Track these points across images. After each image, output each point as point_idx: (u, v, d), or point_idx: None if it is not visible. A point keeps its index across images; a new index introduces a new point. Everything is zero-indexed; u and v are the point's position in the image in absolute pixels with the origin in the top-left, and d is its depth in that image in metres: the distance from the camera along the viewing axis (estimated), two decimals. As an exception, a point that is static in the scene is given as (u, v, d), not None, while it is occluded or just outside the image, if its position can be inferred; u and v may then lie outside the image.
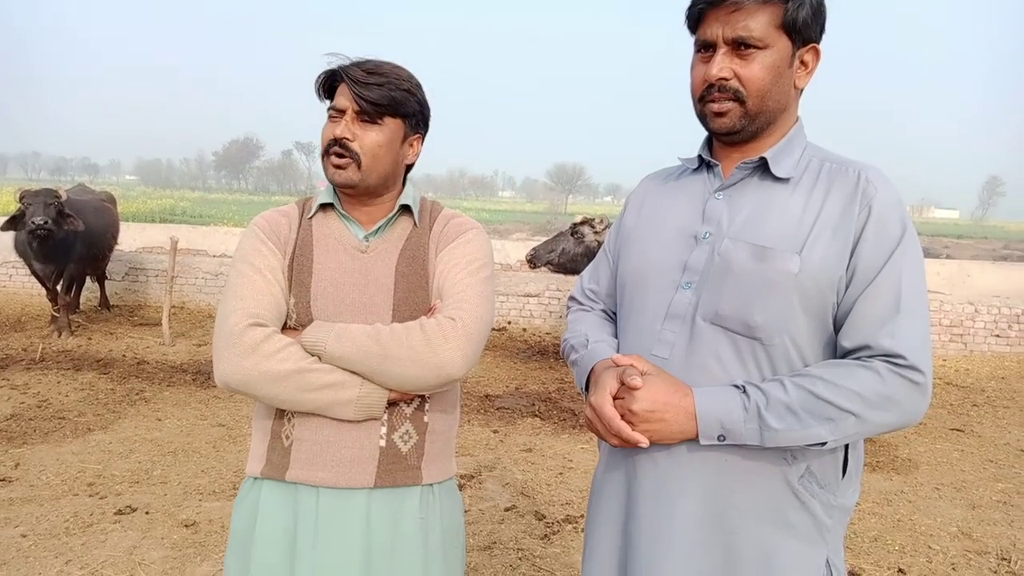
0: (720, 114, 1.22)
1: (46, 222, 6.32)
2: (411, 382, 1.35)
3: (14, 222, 6.57)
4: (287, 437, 1.43)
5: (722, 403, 1.16)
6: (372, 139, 1.41)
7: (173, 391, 5.43)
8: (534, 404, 5.56)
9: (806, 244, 1.17)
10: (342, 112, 1.41)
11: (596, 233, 6.62)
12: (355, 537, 1.39)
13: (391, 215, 1.50)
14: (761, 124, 1.24)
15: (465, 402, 5.46)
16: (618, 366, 1.24)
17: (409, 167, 1.55)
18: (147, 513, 3.37)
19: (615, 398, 1.21)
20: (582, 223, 6.78)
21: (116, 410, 4.90)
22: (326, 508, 1.40)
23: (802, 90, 1.28)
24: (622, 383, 1.20)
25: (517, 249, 10.83)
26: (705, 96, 1.23)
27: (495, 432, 4.86)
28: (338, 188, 1.47)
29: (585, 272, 1.57)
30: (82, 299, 8.15)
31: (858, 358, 1.14)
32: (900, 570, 3.17)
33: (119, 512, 3.35)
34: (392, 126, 1.44)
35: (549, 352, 7.37)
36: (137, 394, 5.29)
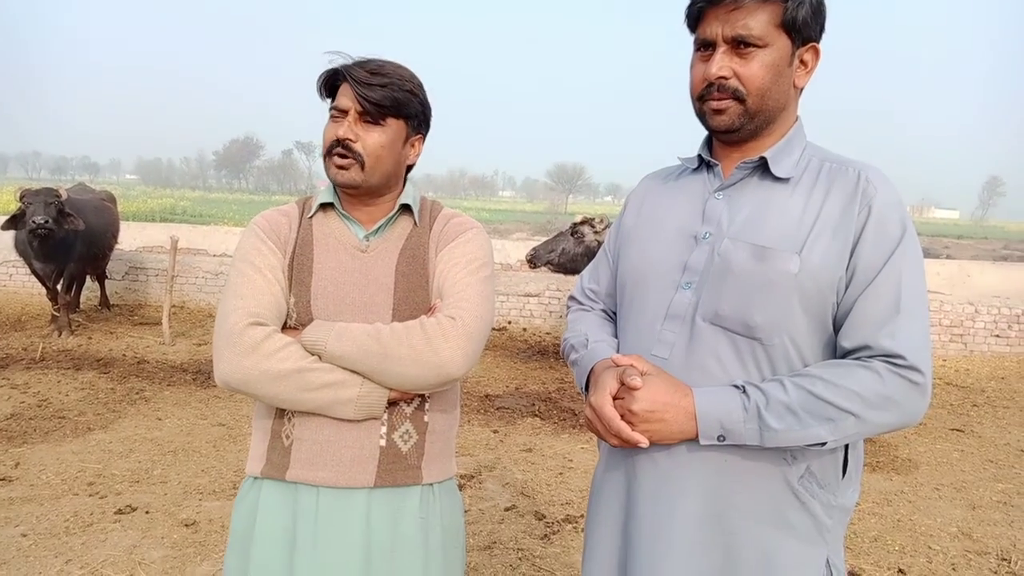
0: (719, 111, 1.22)
1: (47, 221, 6.32)
2: (411, 381, 1.35)
3: (15, 221, 6.57)
4: (287, 437, 1.43)
5: (722, 403, 1.16)
6: (375, 140, 1.41)
7: (173, 390, 5.43)
8: (534, 404, 5.56)
9: (806, 244, 1.17)
10: (344, 112, 1.41)
11: (596, 233, 6.62)
12: (355, 537, 1.39)
13: (391, 215, 1.50)
14: (760, 123, 1.24)
15: (465, 402, 5.46)
16: (618, 366, 1.24)
17: (409, 167, 1.55)
18: (147, 512, 3.37)
19: (615, 398, 1.21)
20: (582, 223, 6.78)
21: (116, 409, 4.90)
22: (326, 508, 1.40)
23: (802, 89, 1.27)
24: (622, 383, 1.20)
25: (517, 249, 10.83)
26: (704, 95, 1.23)
27: (495, 432, 4.86)
28: (340, 188, 1.47)
29: (585, 272, 1.57)
30: (82, 298, 8.15)
31: (858, 358, 1.14)
32: (900, 570, 3.17)
33: (119, 511, 3.35)
34: (395, 127, 1.43)
35: (549, 352, 7.37)
36: (137, 393, 5.29)
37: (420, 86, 1.47)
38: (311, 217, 1.50)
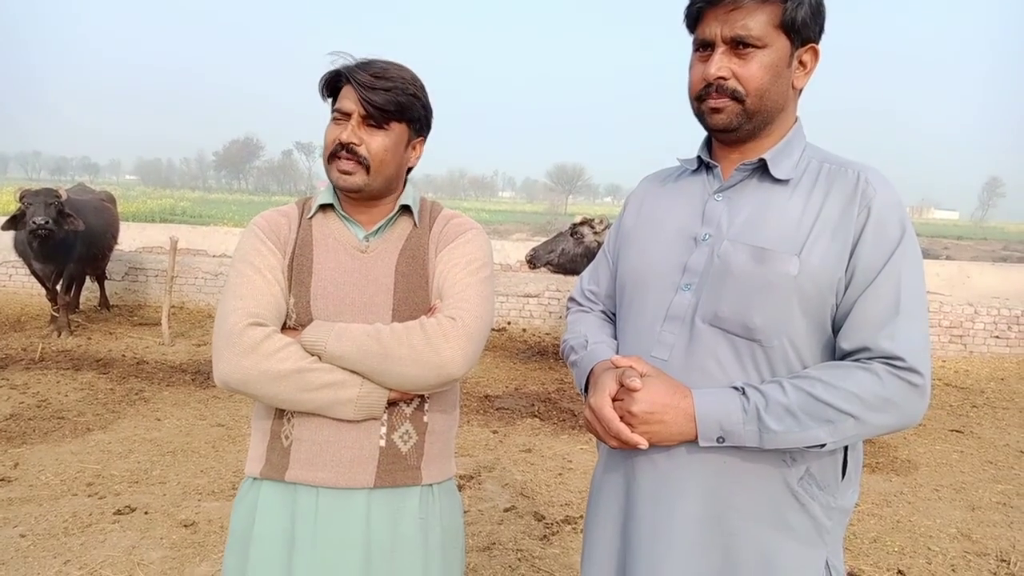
0: (717, 110, 1.22)
1: (47, 222, 6.32)
2: (412, 381, 1.35)
3: (15, 222, 6.57)
4: (286, 437, 1.43)
5: (721, 405, 1.16)
6: (379, 144, 1.41)
7: (172, 391, 5.43)
8: (533, 404, 5.56)
9: (805, 246, 1.17)
10: (347, 115, 1.40)
11: (596, 233, 6.62)
12: (355, 537, 1.39)
13: (391, 215, 1.50)
14: (759, 123, 1.24)
15: (465, 402, 5.46)
16: (617, 367, 1.24)
17: (409, 168, 1.54)
18: (146, 513, 3.36)
19: (614, 399, 1.21)
20: (582, 223, 6.78)
21: (115, 410, 4.90)
22: (326, 508, 1.40)
23: (801, 90, 1.27)
24: (621, 385, 1.20)
25: (517, 249, 10.84)
26: (703, 95, 1.23)
27: (494, 432, 4.86)
28: (343, 192, 1.46)
29: (585, 273, 1.57)
30: (82, 299, 8.15)
31: (857, 360, 1.14)
32: (899, 571, 3.17)
33: (118, 512, 3.35)
34: (398, 130, 1.43)
35: (549, 352, 7.37)
36: (136, 394, 5.29)
37: (422, 88, 1.46)
38: (311, 218, 1.50)
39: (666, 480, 1.23)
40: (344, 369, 1.34)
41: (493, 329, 7.90)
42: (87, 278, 8.03)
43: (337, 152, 1.40)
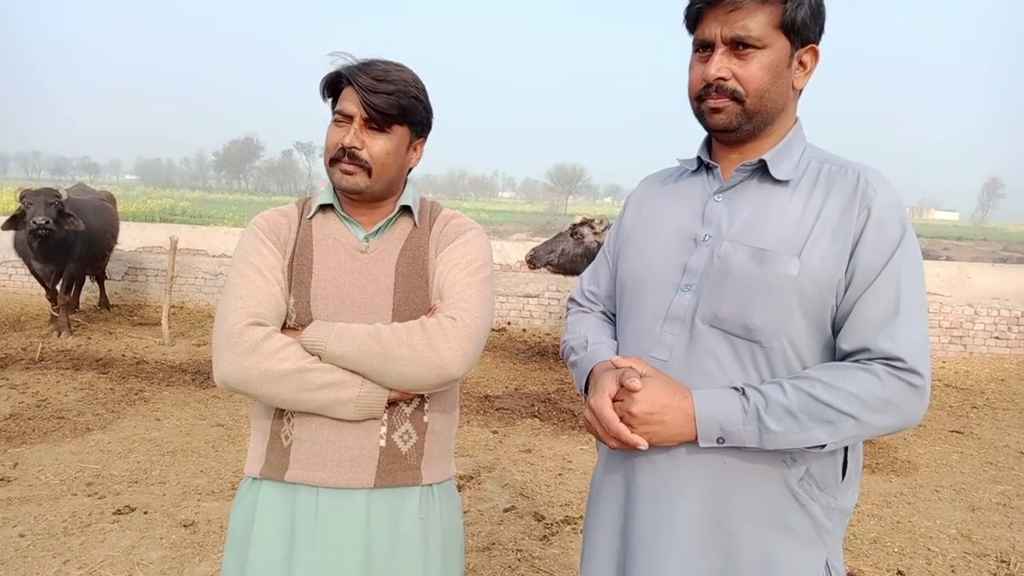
0: (717, 110, 1.22)
1: (47, 222, 6.32)
2: (412, 381, 1.35)
3: (15, 221, 6.57)
4: (286, 437, 1.43)
5: (721, 405, 1.16)
6: (381, 147, 1.40)
7: (172, 391, 5.43)
8: (533, 405, 5.56)
9: (805, 247, 1.17)
10: (349, 118, 1.39)
11: (596, 234, 6.62)
12: (355, 537, 1.39)
13: (391, 216, 1.50)
14: (758, 124, 1.24)
15: (465, 402, 5.46)
16: (617, 368, 1.24)
17: (410, 169, 1.54)
18: (146, 513, 3.36)
19: (614, 400, 1.21)
20: (582, 224, 6.78)
21: (115, 410, 4.90)
22: (326, 508, 1.40)
23: (800, 91, 1.27)
24: (621, 385, 1.20)
25: (517, 250, 10.84)
26: (703, 95, 1.23)
27: (494, 433, 4.86)
28: (344, 192, 1.46)
29: (585, 273, 1.57)
30: (82, 299, 8.15)
31: (857, 360, 1.14)
32: (899, 572, 3.16)
33: (118, 512, 3.35)
34: (399, 133, 1.43)
35: (549, 353, 7.37)
36: (136, 394, 5.29)
37: (424, 90, 1.46)
38: (311, 218, 1.50)
39: (666, 481, 1.23)
40: (344, 369, 1.34)
41: (493, 329, 7.90)
42: (87, 278, 8.03)
43: (339, 156, 1.40)
